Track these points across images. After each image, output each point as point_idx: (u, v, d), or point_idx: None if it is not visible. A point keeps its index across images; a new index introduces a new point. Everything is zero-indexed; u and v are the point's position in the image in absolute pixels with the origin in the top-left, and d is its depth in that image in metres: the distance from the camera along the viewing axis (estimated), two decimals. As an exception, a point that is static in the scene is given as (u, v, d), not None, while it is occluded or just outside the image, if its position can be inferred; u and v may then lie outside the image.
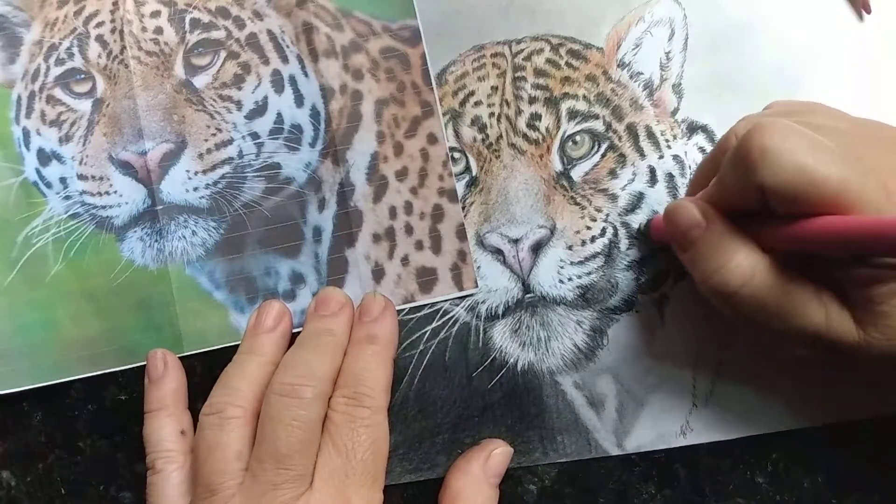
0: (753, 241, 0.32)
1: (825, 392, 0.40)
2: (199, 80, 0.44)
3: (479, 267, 0.42)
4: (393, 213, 0.43)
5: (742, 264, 0.32)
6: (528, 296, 0.42)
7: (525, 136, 0.43)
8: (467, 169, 0.43)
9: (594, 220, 0.42)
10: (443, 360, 0.42)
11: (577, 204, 0.42)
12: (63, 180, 0.44)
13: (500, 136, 0.43)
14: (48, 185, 0.44)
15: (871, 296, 0.30)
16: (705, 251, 0.33)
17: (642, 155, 0.43)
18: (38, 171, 0.44)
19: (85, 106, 0.44)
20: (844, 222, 0.29)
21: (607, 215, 0.42)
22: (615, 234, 0.42)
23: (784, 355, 0.40)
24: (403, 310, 0.42)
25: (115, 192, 0.43)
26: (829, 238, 0.29)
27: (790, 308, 0.31)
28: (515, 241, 0.42)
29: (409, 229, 0.43)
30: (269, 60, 0.44)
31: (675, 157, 0.43)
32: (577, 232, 0.42)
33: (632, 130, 0.43)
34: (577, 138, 0.43)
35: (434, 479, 0.41)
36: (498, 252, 0.42)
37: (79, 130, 0.44)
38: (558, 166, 0.43)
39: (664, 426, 0.41)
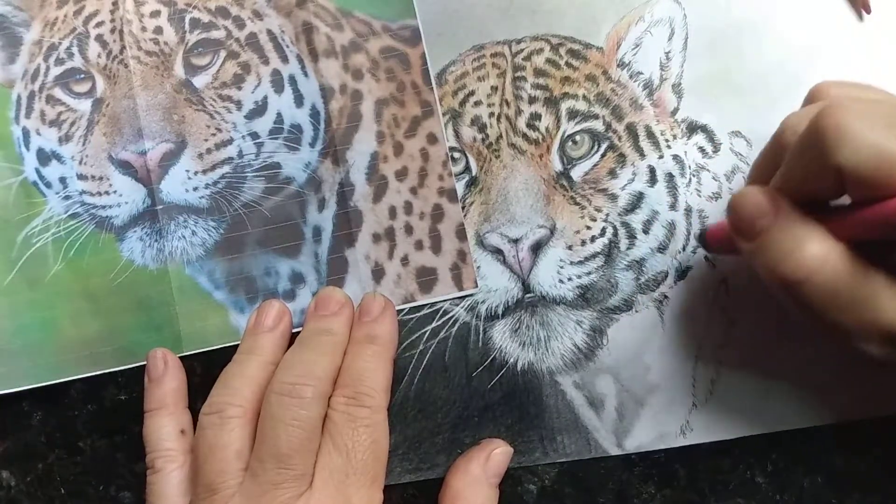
0: (826, 231, 0.30)
1: (825, 392, 0.40)
2: (199, 80, 0.44)
3: (478, 267, 0.42)
4: (393, 212, 0.43)
5: (814, 250, 0.30)
6: (528, 296, 0.42)
7: (525, 136, 0.43)
8: (467, 169, 0.43)
9: (594, 219, 0.42)
10: (443, 360, 0.42)
11: (576, 204, 0.42)
12: (63, 180, 0.44)
13: (500, 135, 0.43)
14: (48, 185, 0.44)
15: None
16: (775, 238, 0.31)
17: (642, 155, 0.43)
18: (37, 171, 0.44)
19: (85, 106, 0.44)
20: None
21: (607, 215, 0.42)
22: (615, 234, 0.42)
23: (783, 355, 0.41)
24: (403, 310, 0.42)
25: (115, 191, 0.43)
26: None
27: (864, 299, 0.30)
28: (515, 241, 0.42)
29: (408, 229, 0.43)
30: (268, 60, 0.44)
31: (675, 156, 0.43)
32: (577, 232, 0.42)
33: (631, 130, 0.43)
34: (577, 138, 0.43)
35: (434, 479, 0.41)
36: (498, 252, 0.42)
37: (78, 130, 0.44)
38: (558, 166, 0.43)
39: (664, 426, 0.41)
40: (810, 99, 0.35)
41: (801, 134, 0.30)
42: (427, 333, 0.42)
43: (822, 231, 0.31)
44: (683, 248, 0.42)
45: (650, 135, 0.43)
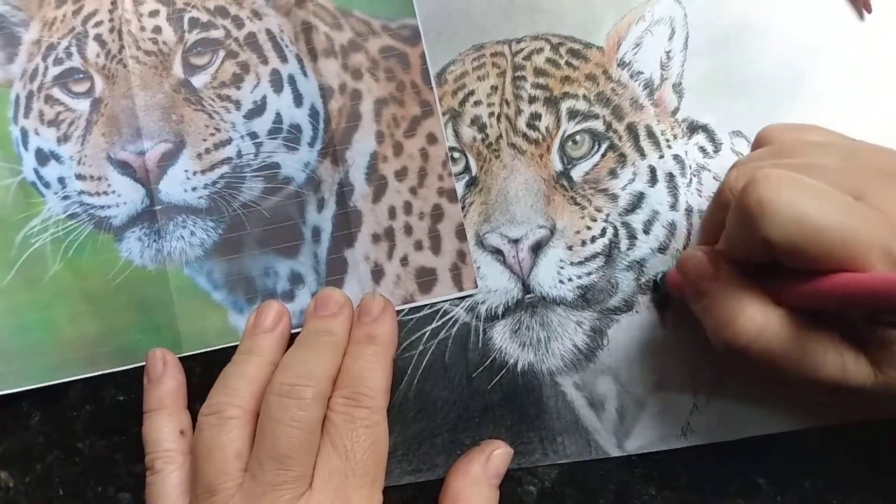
0: (766, 294, 0.32)
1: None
2: (198, 80, 0.44)
3: (478, 267, 0.42)
4: (392, 213, 0.43)
5: (753, 318, 0.31)
6: (528, 296, 0.42)
7: (525, 136, 0.43)
8: (467, 169, 0.43)
9: (594, 220, 0.42)
10: (442, 361, 0.42)
11: (577, 204, 0.42)
12: (61, 180, 0.44)
13: (500, 135, 0.43)
14: (46, 185, 0.44)
15: (885, 337, 0.30)
16: (716, 303, 0.32)
17: (642, 155, 0.43)
18: (36, 171, 0.44)
19: (83, 105, 0.44)
20: (858, 281, 0.28)
21: (607, 215, 0.42)
22: (615, 235, 0.42)
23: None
24: (403, 310, 0.42)
25: (114, 192, 0.43)
26: (843, 297, 0.29)
27: (804, 360, 0.31)
28: (515, 242, 0.42)
29: (408, 229, 0.43)
30: (267, 60, 0.44)
31: (676, 156, 0.43)
32: (577, 232, 0.42)
33: (632, 130, 0.43)
34: (577, 138, 0.43)
35: (434, 480, 0.41)
36: (498, 252, 0.42)
37: (77, 130, 0.44)
38: (558, 166, 0.43)
39: (665, 427, 0.41)
40: (757, 143, 0.35)
41: (732, 206, 0.31)
42: (427, 334, 0.42)
43: (761, 297, 0.31)
44: (684, 248, 0.42)
45: (651, 134, 0.43)
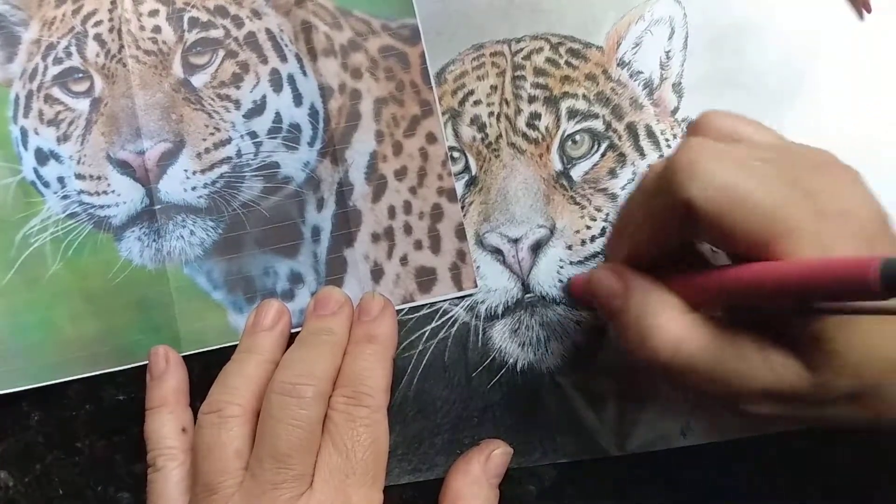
0: (681, 301, 0.30)
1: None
2: (198, 80, 0.44)
3: (478, 267, 0.42)
4: (392, 212, 0.43)
5: (669, 330, 0.29)
6: (528, 296, 0.42)
7: (524, 136, 0.43)
8: (466, 168, 0.43)
9: (594, 219, 0.42)
10: (442, 361, 0.42)
11: (576, 203, 0.42)
12: (61, 180, 0.44)
13: (500, 135, 0.43)
14: (46, 185, 0.44)
15: (817, 334, 0.28)
16: (630, 321, 0.31)
17: (642, 154, 0.43)
18: (35, 171, 0.44)
19: (83, 105, 0.44)
20: (786, 264, 0.27)
21: (607, 215, 0.42)
22: (615, 234, 0.42)
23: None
24: (402, 310, 0.42)
25: (113, 191, 0.43)
26: (769, 284, 0.27)
27: (729, 370, 0.29)
28: (515, 241, 0.42)
29: (408, 229, 0.43)
30: (267, 59, 0.44)
31: (675, 156, 0.43)
32: (577, 232, 0.42)
33: (632, 130, 0.43)
34: (577, 138, 0.43)
35: (433, 480, 0.41)
36: (497, 252, 0.42)
37: (77, 130, 0.43)
38: (558, 166, 0.43)
39: (664, 427, 0.41)
40: (694, 128, 0.34)
41: (655, 175, 0.30)
42: (426, 333, 0.42)
43: (675, 307, 0.30)
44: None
45: (650, 134, 0.43)
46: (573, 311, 0.42)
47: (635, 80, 0.43)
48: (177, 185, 0.43)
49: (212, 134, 0.43)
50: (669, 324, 0.30)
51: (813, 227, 0.27)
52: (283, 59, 0.44)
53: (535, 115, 0.43)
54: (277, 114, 0.44)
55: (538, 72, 0.43)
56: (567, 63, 0.43)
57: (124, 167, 0.43)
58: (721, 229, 0.28)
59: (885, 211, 0.30)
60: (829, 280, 0.25)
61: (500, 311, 0.42)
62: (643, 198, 0.31)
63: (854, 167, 0.30)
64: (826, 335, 0.28)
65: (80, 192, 0.43)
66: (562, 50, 0.44)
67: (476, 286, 0.42)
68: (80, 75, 0.44)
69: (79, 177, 0.43)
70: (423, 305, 0.42)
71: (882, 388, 0.29)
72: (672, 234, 0.30)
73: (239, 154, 0.43)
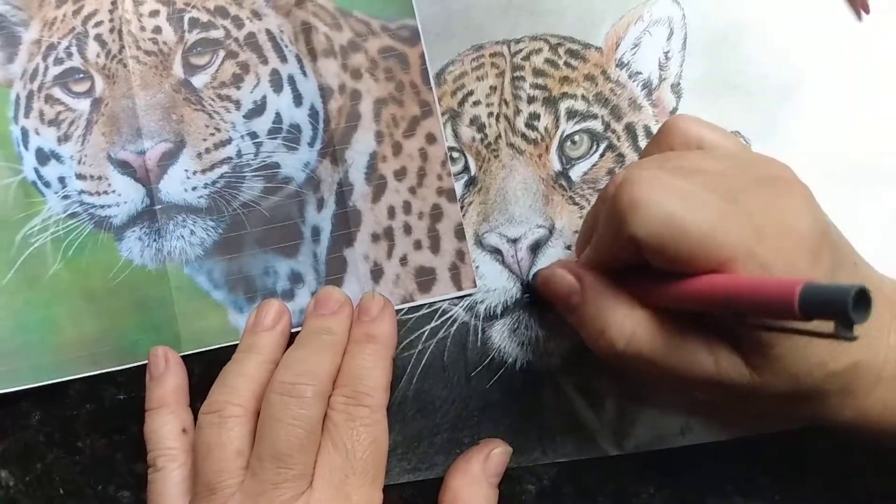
0: (634, 298, 0.32)
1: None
2: (198, 80, 0.44)
3: (477, 267, 0.42)
4: (391, 212, 0.43)
5: (621, 324, 0.32)
6: (527, 295, 0.42)
7: (524, 136, 0.43)
8: (466, 169, 0.43)
9: (593, 219, 0.42)
10: (441, 360, 0.42)
11: (575, 204, 0.42)
12: (62, 180, 0.44)
13: (499, 135, 0.43)
14: (47, 185, 0.44)
15: (761, 339, 0.29)
16: (586, 316, 0.33)
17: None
18: (36, 171, 0.44)
19: (83, 105, 0.44)
20: (717, 282, 0.28)
21: (606, 215, 0.42)
22: (614, 234, 0.42)
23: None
24: (402, 309, 0.42)
25: (114, 191, 0.43)
26: (707, 298, 0.29)
27: (677, 362, 0.31)
28: (514, 241, 0.42)
29: (407, 229, 0.43)
30: (267, 60, 0.44)
31: (674, 156, 0.43)
32: (576, 232, 0.42)
33: (630, 130, 0.43)
34: (576, 138, 0.43)
35: (433, 479, 0.41)
36: (496, 252, 0.42)
37: (77, 130, 0.44)
38: (557, 166, 0.43)
39: (663, 426, 0.41)
40: (662, 132, 0.35)
41: (605, 206, 0.31)
42: (426, 333, 0.42)
43: (628, 302, 0.32)
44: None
45: (649, 134, 0.43)
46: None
47: (634, 81, 0.43)
48: (177, 185, 0.43)
49: (212, 134, 0.43)
50: (622, 318, 0.32)
51: (750, 249, 0.28)
52: (284, 59, 0.44)
53: (535, 116, 0.43)
54: (277, 114, 0.44)
55: (537, 72, 0.44)
56: (566, 64, 0.44)
57: (125, 167, 0.43)
58: (665, 258, 0.29)
59: (829, 227, 0.31)
60: (759, 300, 0.27)
61: (499, 310, 0.42)
62: (599, 226, 0.33)
63: (805, 184, 0.31)
64: (769, 341, 0.29)
65: (81, 192, 0.43)
66: (561, 51, 0.44)
67: (475, 286, 0.42)
68: (81, 76, 0.44)
69: (79, 177, 0.43)
70: (423, 305, 0.43)
71: (817, 393, 0.31)
72: (624, 255, 0.31)
73: (239, 154, 0.43)
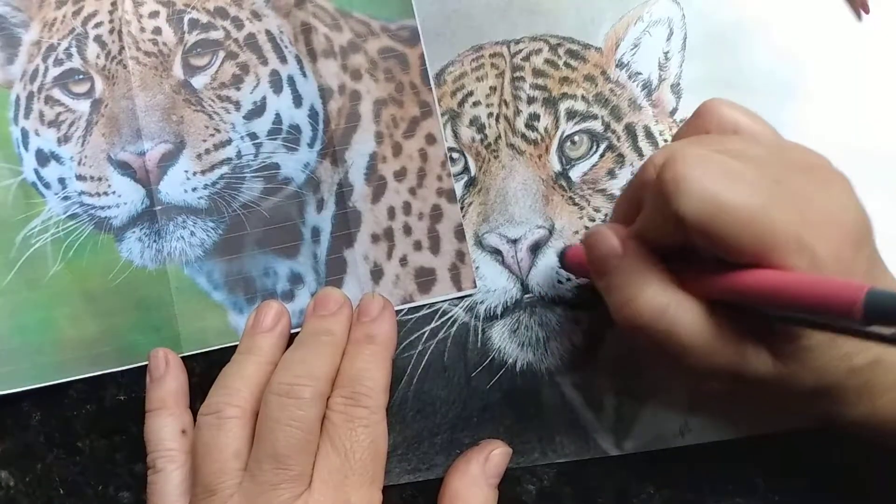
0: (674, 278, 0.31)
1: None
2: (198, 81, 0.44)
3: (477, 267, 0.42)
4: (391, 213, 0.43)
5: (655, 297, 0.31)
6: (527, 296, 0.42)
7: (523, 137, 0.43)
8: (466, 169, 0.43)
9: (593, 220, 0.42)
10: (441, 361, 0.42)
11: (575, 204, 0.42)
12: (62, 181, 0.44)
13: (499, 136, 0.43)
14: (47, 186, 0.44)
15: (793, 329, 0.29)
16: (619, 281, 0.32)
17: (641, 155, 0.43)
18: (36, 172, 0.44)
19: (83, 106, 0.44)
20: (772, 279, 0.28)
21: (606, 215, 0.42)
22: (614, 235, 0.42)
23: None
24: (402, 310, 0.42)
25: (114, 192, 0.43)
26: (759, 293, 0.28)
27: (704, 347, 0.30)
28: (514, 242, 0.42)
29: (407, 230, 0.43)
30: (267, 61, 0.44)
31: (674, 157, 0.43)
32: (576, 232, 0.42)
33: (630, 130, 0.43)
34: (576, 138, 0.43)
35: (433, 480, 0.41)
36: (496, 252, 0.42)
37: (77, 131, 0.44)
38: (557, 166, 0.43)
39: (663, 426, 0.41)
40: (698, 114, 0.35)
41: (651, 185, 0.31)
42: (426, 334, 0.42)
43: (666, 280, 0.31)
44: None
45: (649, 135, 0.43)
46: (572, 310, 0.42)
47: (634, 81, 0.43)
48: (177, 186, 0.43)
49: (212, 135, 0.43)
50: (657, 291, 0.31)
51: (797, 233, 0.28)
52: (283, 60, 0.44)
53: (534, 116, 0.43)
54: (277, 115, 0.44)
55: (537, 73, 0.44)
56: (566, 64, 0.44)
57: (125, 168, 0.43)
58: (709, 238, 0.29)
59: (869, 219, 0.30)
60: (817, 299, 0.26)
61: (499, 311, 0.42)
62: (645, 205, 0.32)
63: (845, 174, 0.31)
64: (798, 331, 0.29)
65: (81, 193, 0.43)
66: (560, 51, 0.44)
67: (475, 287, 0.42)
68: (81, 76, 0.44)
69: (79, 178, 0.43)
70: (423, 306, 0.43)
71: (837, 388, 0.30)
72: (670, 237, 0.31)
73: (239, 155, 0.43)
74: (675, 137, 0.36)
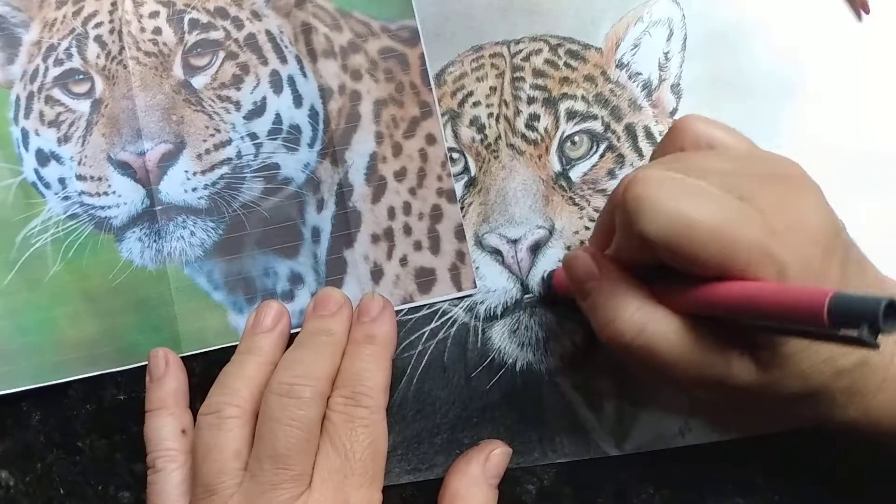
0: (650, 295, 0.32)
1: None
2: (198, 81, 0.44)
3: (477, 267, 0.42)
4: (391, 213, 0.43)
5: (634, 316, 0.31)
6: (527, 296, 0.42)
7: (524, 137, 0.43)
8: (466, 169, 0.43)
9: (593, 220, 0.42)
10: (441, 361, 0.42)
11: (575, 204, 0.42)
12: (62, 181, 0.44)
13: (499, 136, 0.43)
14: (47, 186, 0.44)
15: (772, 338, 0.29)
16: (600, 302, 0.32)
17: (641, 155, 0.43)
18: (36, 172, 0.44)
19: (84, 106, 0.44)
20: (744, 288, 0.28)
21: (606, 216, 0.42)
22: (614, 235, 0.42)
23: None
24: (402, 310, 0.42)
25: (114, 192, 0.43)
26: (728, 304, 0.28)
27: (685, 360, 0.31)
28: (514, 242, 0.42)
29: (407, 230, 0.43)
30: (267, 61, 0.44)
31: (674, 157, 0.43)
32: (576, 232, 0.42)
33: (630, 131, 0.43)
34: (576, 139, 0.43)
35: (433, 480, 0.41)
36: (496, 252, 0.42)
37: (77, 131, 0.44)
38: (557, 167, 0.43)
39: (663, 426, 0.41)
40: (671, 132, 0.35)
41: (617, 209, 0.31)
42: (426, 334, 0.42)
43: (643, 297, 0.31)
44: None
45: (649, 135, 0.43)
46: (572, 311, 0.42)
47: (634, 82, 0.43)
48: (177, 186, 0.43)
49: (212, 135, 0.43)
50: (635, 310, 0.31)
51: (762, 244, 0.28)
52: (283, 60, 0.44)
53: (534, 117, 0.43)
54: (277, 115, 0.44)
55: (537, 73, 0.44)
56: (566, 64, 0.44)
57: (125, 168, 0.43)
58: (673, 255, 0.29)
59: (840, 225, 0.31)
60: (784, 307, 0.27)
61: (499, 311, 0.42)
62: (616, 227, 0.32)
63: (816, 182, 0.31)
64: (779, 339, 0.29)
65: (81, 192, 0.43)
66: (560, 51, 0.44)
67: (475, 287, 0.42)
68: (81, 76, 0.44)
69: (79, 178, 0.43)
70: (423, 306, 0.43)
71: (824, 391, 0.30)
72: (640, 255, 0.31)
73: (239, 155, 0.43)
74: (653, 156, 0.37)
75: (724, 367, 0.30)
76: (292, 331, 0.39)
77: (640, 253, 0.31)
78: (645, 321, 0.31)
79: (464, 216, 0.43)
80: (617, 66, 0.44)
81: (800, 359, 0.29)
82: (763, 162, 0.32)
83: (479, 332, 0.42)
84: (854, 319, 0.25)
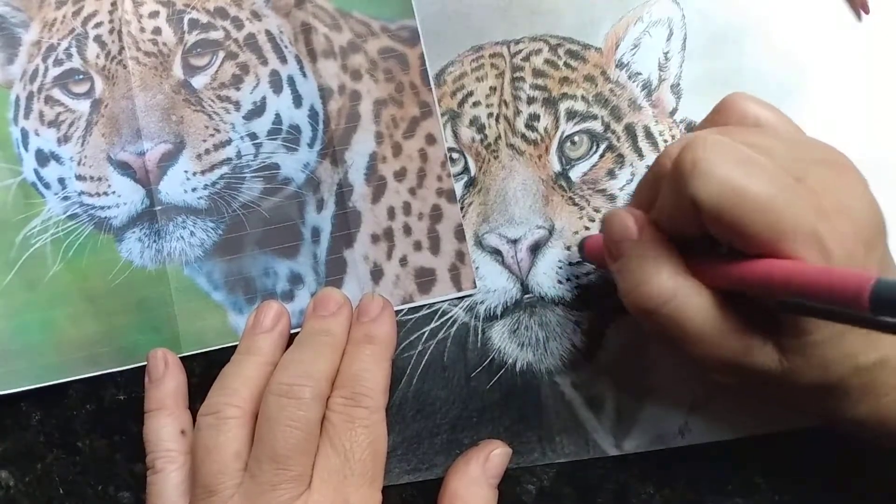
0: (685, 265, 0.31)
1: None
2: (198, 81, 0.44)
3: (477, 267, 0.42)
4: (391, 213, 0.43)
5: (665, 283, 0.31)
6: (527, 296, 0.42)
7: (523, 137, 0.43)
8: (466, 169, 0.43)
9: (592, 220, 0.42)
10: (441, 361, 0.42)
11: (575, 204, 0.42)
12: (62, 181, 0.44)
13: (499, 136, 0.43)
14: (47, 186, 0.44)
15: (801, 324, 0.29)
16: (631, 265, 0.32)
17: (641, 155, 0.43)
18: (36, 172, 0.44)
19: (83, 106, 0.44)
20: (786, 267, 0.28)
21: (606, 216, 0.42)
22: (614, 235, 0.42)
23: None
24: (402, 310, 0.42)
25: (114, 192, 0.43)
26: (769, 281, 0.28)
27: (709, 336, 0.30)
28: (514, 242, 0.42)
29: (407, 230, 0.43)
30: (267, 61, 0.44)
31: (674, 157, 0.43)
32: (576, 232, 0.42)
33: (630, 131, 0.43)
34: (576, 139, 0.43)
35: (433, 480, 0.41)
36: (496, 252, 0.42)
37: (77, 131, 0.44)
38: (557, 167, 0.43)
39: (663, 426, 0.41)
40: (718, 108, 0.35)
41: (668, 171, 0.31)
42: (426, 334, 0.42)
43: (678, 267, 0.31)
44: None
45: (649, 135, 0.43)
46: (572, 311, 0.42)
47: (634, 82, 0.43)
48: (177, 186, 0.43)
49: (212, 135, 0.43)
50: (667, 277, 0.31)
51: (811, 225, 0.28)
52: (283, 60, 0.44)
53: (534, 117, 0.43)
54: (277, 115, 0.44)
55: (537, 73, 0.44)
56: (566, 64, 0.44)
57: (125, 168, 0.43)
58: (723, 225, 0.29)
59: (884, 222, 0.30)
60: (825, 288, 0.26)
61: (499, 311, 0.42)
62: (662, 191, 0.32)
63: (861, 172, 0.31)
64: (806, 326, 0.29)
65: (81, 193, 0.43)
66: (560, 51, 0.44)
67: (475, 287, 0.42)
68: (81, 77, 0.44)
69: (79, 178, 0.43)
70: (423, 306, 0.43)
71: (841, 386, 0.30)
72: (685, 223, 0.31)
73: (239, 155, 0.43)
74: (696, 129, 0.36)
75: (746, 350, 0.30)
76: (292, 331, 0.39)
77: (684, 218, 0.30)
78: (676, 289, 0.30)
79: (464, 216, 0.43)
80: (617, 66, 0.44)
81: (823, 351, 0.29)
82: (814, 147, 0.32)
83: (479, 332, 0.42)
84: (894, 307, 0.25)
